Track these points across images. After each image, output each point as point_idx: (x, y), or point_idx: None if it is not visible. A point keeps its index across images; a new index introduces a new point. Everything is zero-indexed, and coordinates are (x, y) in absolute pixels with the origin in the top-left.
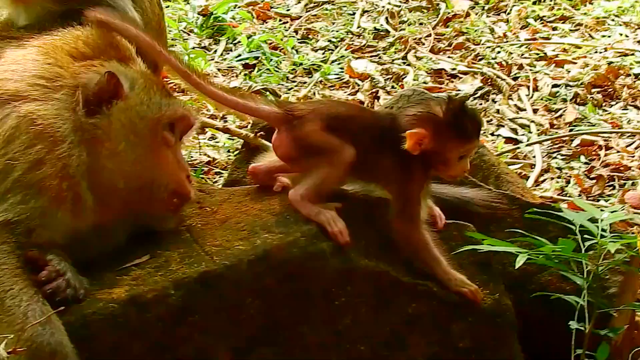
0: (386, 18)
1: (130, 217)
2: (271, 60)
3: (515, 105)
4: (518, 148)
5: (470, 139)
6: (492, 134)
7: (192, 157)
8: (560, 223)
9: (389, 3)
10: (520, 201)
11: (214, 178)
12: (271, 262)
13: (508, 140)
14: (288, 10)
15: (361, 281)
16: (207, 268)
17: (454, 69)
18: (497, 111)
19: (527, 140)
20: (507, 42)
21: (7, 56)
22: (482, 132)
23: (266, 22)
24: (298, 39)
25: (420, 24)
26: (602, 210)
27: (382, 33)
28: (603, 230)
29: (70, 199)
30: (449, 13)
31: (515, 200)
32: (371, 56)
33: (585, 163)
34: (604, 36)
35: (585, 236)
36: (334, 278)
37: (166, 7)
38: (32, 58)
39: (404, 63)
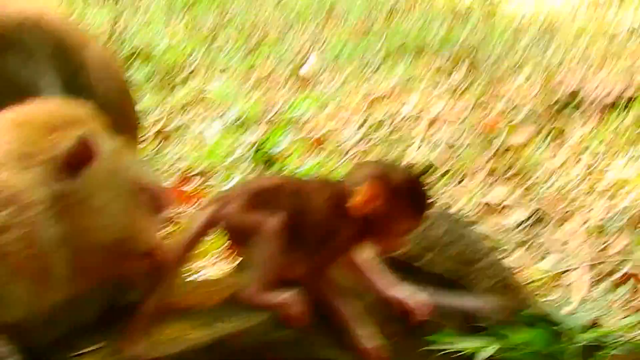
0: None
1: (103, 287)
2: None
3: None
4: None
5: (421, 213)
6: None
7: None
8: None
9: None
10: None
11: None
12: (224, 351)
13: None
14: None
15: None
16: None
17: None
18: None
19: None
20: None
21: None
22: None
23: None
24: None
25: None
26: None
27: None
28: None
29: (36, 270)
30: None
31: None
32: None
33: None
34: None
35: None
36: None
37: None
38: (6, 131)
39: None
